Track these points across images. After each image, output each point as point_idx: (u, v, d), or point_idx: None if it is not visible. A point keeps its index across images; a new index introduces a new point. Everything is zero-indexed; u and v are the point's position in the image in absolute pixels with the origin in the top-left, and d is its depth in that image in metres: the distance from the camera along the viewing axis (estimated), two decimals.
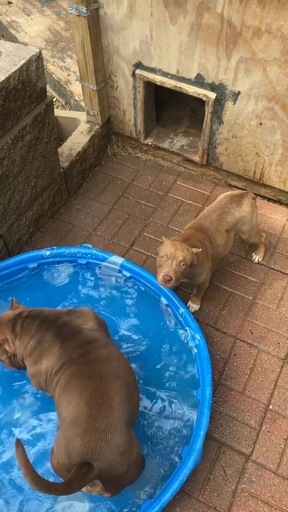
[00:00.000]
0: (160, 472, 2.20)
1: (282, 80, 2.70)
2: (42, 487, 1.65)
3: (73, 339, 2.05)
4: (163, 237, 2.44)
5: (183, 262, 2.27)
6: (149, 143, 3.57)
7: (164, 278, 2.27)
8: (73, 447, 1.76)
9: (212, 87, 2.96)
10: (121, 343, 2.58)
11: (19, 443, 1.71)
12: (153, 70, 3.10)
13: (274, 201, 3.38)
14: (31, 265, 2.78)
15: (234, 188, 3.47)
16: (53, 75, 4.13)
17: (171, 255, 2.28)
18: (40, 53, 2.54)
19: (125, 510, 2.11)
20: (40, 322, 2.12)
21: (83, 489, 1.81)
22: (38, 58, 2.54)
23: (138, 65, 3.12)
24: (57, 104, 4.22)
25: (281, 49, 2.57)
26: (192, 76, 2.98)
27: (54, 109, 3.80)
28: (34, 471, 1.65)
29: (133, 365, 2.49)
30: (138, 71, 3.14)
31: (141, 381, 2.45)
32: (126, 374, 2.01)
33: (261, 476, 2.29)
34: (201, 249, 2.37)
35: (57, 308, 2.61)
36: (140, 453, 1.96)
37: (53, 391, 2.03)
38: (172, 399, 2.40)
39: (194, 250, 2.33)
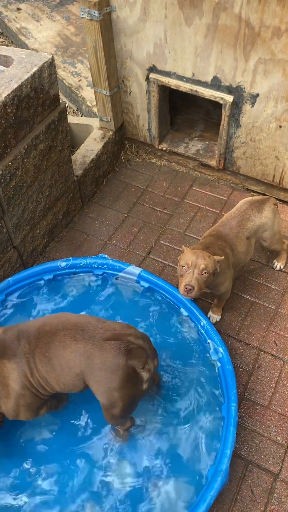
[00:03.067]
0: (186, 493, 2.10)
1: None
2: None
3: (12, 348, 1.93)
4: (183, 246, 2.35)
5: (205, 271, 2.18)
6: (164, 148, 3.48)
7: (186, 288, 2.18)
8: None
9: (229, 90, 2.87)
10: None
11: None
12: (167, 74, 3.01)
13: None
14: (46, 277, 2.71)
15: (252, 193, 3.37)
16: (64, 81, 4.06)
17: (192, 264, 2.19)
18: (52, 59, 2.47)
19: None
20: None
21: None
22: (51, 64, 2.47)
23: (152, 69, 3.04)
24: (68, 110, 4.15)
25: None
26: (209, 79, 2.89)
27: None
28: None
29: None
30: (152, 75, 3.06)
31: (161, 398, 2.36)
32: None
33: None
34: (223, 257, 2.27)
35: None
36: None
37: (48, 385, 1.96)
38: (195, 416, 2.30)
39: (217, 257, 2.24)
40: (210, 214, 3.27)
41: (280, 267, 2.94)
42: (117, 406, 1.94)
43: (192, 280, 2.18)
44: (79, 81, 4.05)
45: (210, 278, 2.25)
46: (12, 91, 2.27)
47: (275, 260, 2.95)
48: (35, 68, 2.40)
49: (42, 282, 2.72)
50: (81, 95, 3.93)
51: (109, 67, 3.05)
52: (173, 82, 3.01)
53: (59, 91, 4.19)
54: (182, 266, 2.23)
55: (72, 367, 1.91)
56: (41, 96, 2.49)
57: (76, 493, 2.11)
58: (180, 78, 2.98)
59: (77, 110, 4.11)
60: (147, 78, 3.10)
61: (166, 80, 3.03)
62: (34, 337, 1.93)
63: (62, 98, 4.21)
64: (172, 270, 2.97)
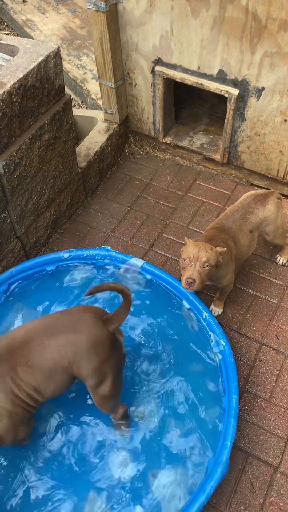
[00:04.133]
0: (186, 484, 2.11)
1: None
2: None
3: None
4: (185, 238, 2.34)
5: (207, 263, 2.18)
6: (168, 142, 3.48)
7: (187, 281, 2.18)
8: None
9: (234, 83, 2.86)
10: (141, 348, 2.49)
11: None
12: (173, 67, 3.00)
13: None
14: (49, 268, 2.71)
15: (256, 188, 3.36)
16: (69, 74, 4.06)
17: (193, 257, 2.19)
18: (58, 49, 2.46)
19: None
20: None
21: None
22: (57, 54, 2.47)
23: (158, 62, 3.04)
24: (73, 103, 4.15)
25: None
26: (214, 72, 2.88)
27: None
28: None
29: (153, 370, 2.41)
30: (157, 68, 3.05)
31: (162, 388, 2.36)
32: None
33: None
34: (226, 249, 2.27)
35: None
36: None
37: (38, 394, 1.95)
38: (196, 407, 2.30)
39: (219, 249, 2.24)
40: (213, 208, 3.27)
41: (283, 262, 2.93)
42: (107, 380, 1.97)
43: (193, 273, 2.18)
44: (84, 74, 4.05)
45: (213, 271, 2.25)
46: (17, 80, 2.27)
47: (278, 255, 2.95)
48: (41, 58, 2.40)
49: (45, 272, 2.72)
50: (86, 88, 3.92)
51: (114, 59, 3.05)
52: (178, 75, 3.01)
53: (65, 83, 4.20)
54: (184, 259, 2.23)
55: (59, 363, 1.91)
56: (46, 86, 2.49)
57: (76, 484, 2.12)
58: (186, 71, 2.98)
59: (81, 103, 4.11)
60: (153, 71, 3.10)
61: (171, 73, 3.02)
62: (8, 353, 1.91)
63: (67, 90, 4.20)
64: (175, 263, 2.97)
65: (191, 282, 2.17)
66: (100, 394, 2.01)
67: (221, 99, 3.16)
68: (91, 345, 1.90)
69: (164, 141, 3.49)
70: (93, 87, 3.88)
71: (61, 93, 2.65)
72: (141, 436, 2.23)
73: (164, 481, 2.12)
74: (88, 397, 2.25)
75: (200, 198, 3.33)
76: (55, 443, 2.21)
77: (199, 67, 2.91)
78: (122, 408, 2.18)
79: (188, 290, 2.24)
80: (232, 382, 2.25)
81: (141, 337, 2.53)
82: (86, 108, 4.00)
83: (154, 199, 3.34)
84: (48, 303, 2.64)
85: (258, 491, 2.18)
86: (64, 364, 1.91)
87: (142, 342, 2.52)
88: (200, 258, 2.18)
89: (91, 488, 2.11)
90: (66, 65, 4.11)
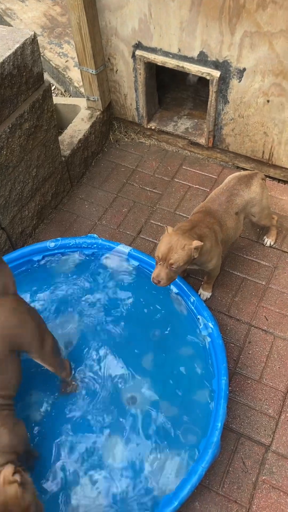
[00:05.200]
0: (178, 466, 2.12)
1: None
2: None
3: None
4: (166, 226, 2.30)
5: (174, 266, 2.17)
6: (153, 127, 3.45)
7: (154, 280, 2.22)
8: None
9: (216, 65, 2.84)
10: (130, 333, 2.50)
11: None
12: (153, 50, 2.97)
13: (285, 182, 3.26)
14: (35, 258, 2.70)
15: (242, 170, 3.34)
16: (51, 62, 4.01)
17: (162, 257, 2.18)
18: (35, 35, 2.43)
19: (143, 506, 2.04)
20: None
21: None
22: (33, 41, 2.43)
23: (138, 46, 3.00)
24: (56, 92, 4.11)
25: (287, 20, 2.44)
26: (195, 54, 2.85)
27: (54, 97, 3.70)
28: None
29: (143, 355, 2.41)
30: (138, 52, 3.02)
31: (152, 373, 2.37)
32: None
33: (282, 467, 2.20)
34: (202, 243, 2.22)
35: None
36: None
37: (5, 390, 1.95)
38: (187, 390, 2.31)
39: (195, 243, 2.18)
40: (200, 193, 3.26)
41: (270, 244, 2.93)
42: (46, 339, 2.06)
43: (160, 274, 2.20)
44: (66, 61, 4.00)
45: (183, 268, 2.24)
46: None
47: (265, 237, 2.95)
48: (17, 45, 2.36)
49: (31, 263, 2.71)
50: (69, 76, 3.88)
51: (94, 44, 3.01)
52: (159, 59, 2.97)
53: (46, 72, 4.16)
54: (156, 256, 2.22)
55: (7, 353, 1.92)
56: (24, 74, 2.46)
57: (70, 469, 2.13)
58: (166, 54, 2.95)
59: (65, 91, 4.07)
60: (133, 55, 3.06)
61: (152, 56, 2.99)
62: None
63: (49, 79, 4.16)
64: None
65: (158, 281, 2.21)
66: (48, 353, 2.07)
67: (205, 83, 3.13)
68: (17, 319, 1.95)
69: (148, 127, 3.46)
70: (75, 75, 3.84)
71: (40, 81, 2.61)
72: (131, 421, 2.24)
73: (156, 464, 2.14)
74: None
75: (187, 183, 3.32)
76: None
77: (179, 50, 2.88)
78: (67, 362, 2.28)
79: (158, 285, 2.25)
80: (221, 364, 2.26)
81: (129, 322, 2.53)
82: (69, 97, 3.96)
83: (140, 186, 3.32)
84: (36, 294, 2.63)
85: (251, 470, 2.20)
86: (5, 352, 1.92)
87: (130, 326, 2.52)
88: (168, 260, 2.17)
89: (82, 473, 2.12)
90: (47, 54, 4.06)
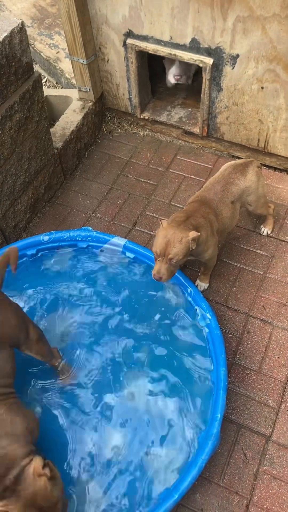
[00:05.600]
0: (178, 459, 2.10)
1: (283, 38, 2.52)
2: None
3: None
4: (160, 219, 2.26)
5: (173, 260, 2.14)
6: (146, 117, 3.40)
7: (155, 276, 2.18)
8: None
9: (208, 52, 2.79)
10: (127, 326, 2.46)
11: None
12: (145, 38, 2.92)
13: (281, 170, 3.22)
14: (29, 252, 2.66)
15: (237, 159, 3.30)
16: (41, 54, 3.95)
17: (161, 253, 2.14)
18: (22, 24, 2.37)
19: (142, 500, 2.01)
20: None
21: None
22: (21, 30, 2.38)
23: (129, 34, 2.95)
24: (48, 84, 4.05)
25: (280, 3, 2.39)
26: (187, 41, 2.80)
27: (45, 88, 3.65)
28: None
29: (140, 348, 2.39)
30: (129, 41, 2.96)
31: (150, 365, 2.34)
32: None
33: (283, 457, 2.18)
34: (199, 234, 2.19)
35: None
36: None
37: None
38: (185, 382, 2.28)
39: (191, 235, 2.14)
40: (195, 183, 3.22)
41: (267, 233, 2.90)
42: (29, 327, 2.07)
43: (160, 269, 2.17)
44: (57, 53, 3.94)
45: (183, 261, 2.21)
46: None
47: (262, 226, 2.91)
48: (5, 34, 2.31)
49: (25, 257, 2.67)
50: (60, 68, 3.83)
51: (84, 33, 2.95)
52: (151, 47, 2.92)
53: (37, 64, 4.10)
54: (154, 251, 2.19)
55: None
56: (13, 64, 2.40)
57: (69, 463, 2.10)
58: (158, 42, 2.89)
59: (56, 83, 4.01)
60: (124, 44, 3.01)
61: (143, 45, 2.94)
62: None
63: (41, 72, 4.10)
64: None
65: (160, 277, 2.17)
66: (34, 342, 2.07)
67: (198, 71, 3.09)
68: (6, 316, 1.96)
69: (141, 117, 3.41)
70: (67, 66, 3.78)
71: (30, 71, 2.56)
72: (131, 414, 2.22)
73: (156, 457, 2.11)
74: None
75: (182, 174, 3.28)
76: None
77: (171, 37, 2.83)
78: (54, 349, 2.26)
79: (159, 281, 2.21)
80: (219, 355, 2.23)
81: (126, 315, 2.50)
82: (61, 88, 3.91)
83: (135, 177, 3.28)
84: (31, 288, 2.59)
85: (251, 461, 2.18)
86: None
87: (127, 319, 2.49)
88: (167, 254, 2.13)
89: (81, 466, 2.09)
90: (38, 45, 4.00)
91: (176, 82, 3.30)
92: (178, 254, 2.13)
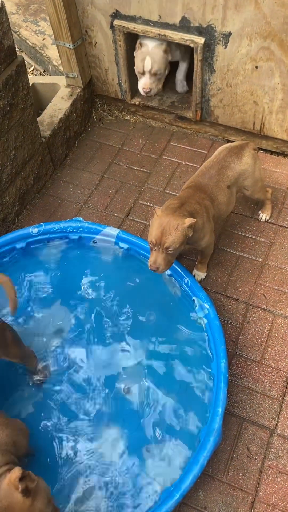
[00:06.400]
0: (179, 456, 2.01)
1: (278, 12, 2.40)
2: None
3: None
4: (154, 208, 2.15)
5: (170, 249, 2.04)
6: (137, 103, 3.28)
7: (152, 267, 2.07)
8: None
9: (199, 30, 2.67)
10: (124, 319, 2.37)
11: None
12: (132, 19, 2.79)
13: (278, 154, 3.11)
14: (19, 245, 2.55)
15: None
16: (27, 41, 3.83)
17: (157, 242, 2.04)
18: (2, 4, 2.25)
19: (143, 500, 1.93)
20: None
21: None
22: (1, 10, 2.25)
23: (116, 15, 2.82)
24: (35, 73, 3.92)
25: None
26: (177, 20, 2.67)
27: (32, 76, 3.53)
28: None
29: (137, 341, 2.29)
30: (116, 22, 2.84)
31: (148, 359, 2.25)
32: None
33: None
34: (195, 220, 2.09)
35: None
36: None
37: None
38: (184, 375, 2.19)
39: (187, 221, 2.04)
40: (190, 170, 3.11)
41: (265, 218, 2.80)
42: (5, 331, 1.98)
43: (157, 260, 2.06)
44: (43, 40, 3.81)
45: (179, 250, 2.10)
46: None
47: (259, 211, 2.81)
48: None
49: (14, 251, 2.56)
50: (47, 55, 3.70)
51: (69, 16, 2.83)
52: (139, 28, 2.80)
53: (24, 52, 3.97)
54: (149, 241, 2.08)
55: None
56: None
57: (67, 463, 2.01)
58: (147, 22, 2.77)
59: (44, 71, 3.88)
60: (112, 26, 2.88)
61: (131, 26, 2.81)
62: None
63: (28, 60, 3.97)
64: None
65: (157, 268, 2.06)
66: (9, 346, 1.98)
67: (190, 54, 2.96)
68: None
69: (132, 102, 3.29)
70: (54, 53, 3.65)
71: (12, 55, 2.44)
72: (130, 411, 2.13)
73: (155, 454, 2.03)
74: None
75: (176, 160, 3.17)
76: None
77: (160, 17, 2.70)
78: (33, 355, 2.20)
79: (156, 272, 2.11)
80: (219, 346, 2.14)
81: (123, 307, 2.40)
82: (49, 76, 3.78)
83: (127, 165, 3.17)
84: (22, 282, 2.50)
85: (256, 456, 2.09)
86: None
87: (124, 312, 2.39)
88: (163, 243, 2.03)
89: (80, 466, 2.01)
90: (23, 32, 3.87)
91: (145, 94, 2.94)
92: (174, 242, 2.03)
